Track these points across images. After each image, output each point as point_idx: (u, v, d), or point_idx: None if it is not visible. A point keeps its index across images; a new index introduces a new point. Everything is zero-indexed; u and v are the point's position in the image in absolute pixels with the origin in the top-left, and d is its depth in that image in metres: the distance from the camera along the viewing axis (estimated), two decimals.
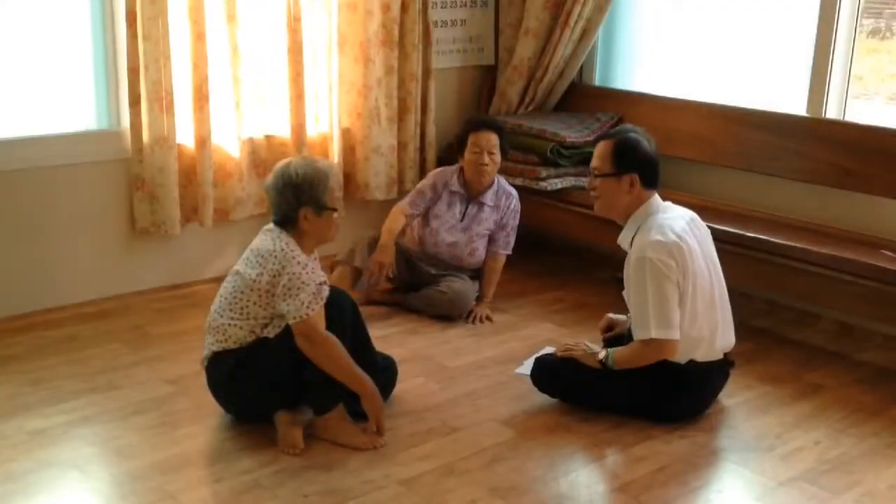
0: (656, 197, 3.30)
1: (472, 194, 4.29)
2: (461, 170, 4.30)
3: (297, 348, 3.00)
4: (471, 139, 4.22)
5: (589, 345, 3.40)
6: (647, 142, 3.28)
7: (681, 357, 3.21)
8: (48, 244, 4.10)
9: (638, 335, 3.20)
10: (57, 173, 4.07)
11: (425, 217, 4.33)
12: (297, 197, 3.05)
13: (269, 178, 3.13)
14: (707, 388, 3.36)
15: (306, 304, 2.97)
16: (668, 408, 3.27)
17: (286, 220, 3.10)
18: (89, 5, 4.08)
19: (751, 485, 2.96)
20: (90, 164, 4.14)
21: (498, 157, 4.23)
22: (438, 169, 4.46)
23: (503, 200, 4.30)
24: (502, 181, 4.36)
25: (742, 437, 3.24)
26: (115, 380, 3.51)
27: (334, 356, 3.02)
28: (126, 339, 3.88)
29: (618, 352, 3.27)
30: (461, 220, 4.28)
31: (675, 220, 3.24)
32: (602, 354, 3.27)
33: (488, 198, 4.28)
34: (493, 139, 4.20)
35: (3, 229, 3.98)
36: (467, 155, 4.23)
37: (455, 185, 4.29)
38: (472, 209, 4.29)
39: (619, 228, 3.35)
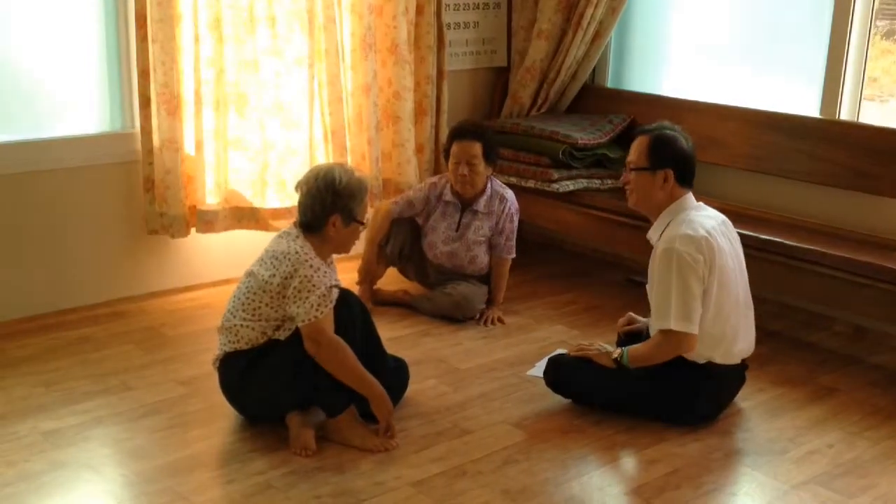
0: (690, 195, 3.29)
1: (465, 202, 4.21)
2: None
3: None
4: (452, 149, 4.12)
5: (603, 345, 3.38)
6: (684, 139, 3.28)
7: (700, 356, 3.19)
8: (61, 246, 4.11)
9: (657, 325, 3.18)
10: (70, 175, 4.08)
11: (423, 230, 4.30)
12: (333, 202, 3.06)
13: (308, 177, 3.13)
14: (723, 391, 3.35)
15: (315, 307, 2.98)
16: (683, 411, 3.26)
17: (312, 223, 3.10)
18: (100, 8, 4.09)
19: (764, 488, 2.94)
20: (103, 167, 4.16)
21: (481, 167, 4.09)
22: (432, 179, 4.37)
23: (496, 205, 4.19)
24: (496, 184, 4.25)
25: (755, 440, 3.22)
26: (128, 381, 3.52)
27: (341, 359, 3.02)
28: (139, 341, 3.89)
29: (633, 348, 3.25)
30: (456, 230, 4.21)
31: (706, 218, 3.24)
32: (617, 353, 3.26)
33: (481, 204, 4.18)
34: (473, 149, 4.07)
35: (16, 231, 4.00)
36: (449, 166, 4.15)
37: (448, 195, 4.21)
38: (466, 217, 4.20)
39: (632, 231, 3.34)
